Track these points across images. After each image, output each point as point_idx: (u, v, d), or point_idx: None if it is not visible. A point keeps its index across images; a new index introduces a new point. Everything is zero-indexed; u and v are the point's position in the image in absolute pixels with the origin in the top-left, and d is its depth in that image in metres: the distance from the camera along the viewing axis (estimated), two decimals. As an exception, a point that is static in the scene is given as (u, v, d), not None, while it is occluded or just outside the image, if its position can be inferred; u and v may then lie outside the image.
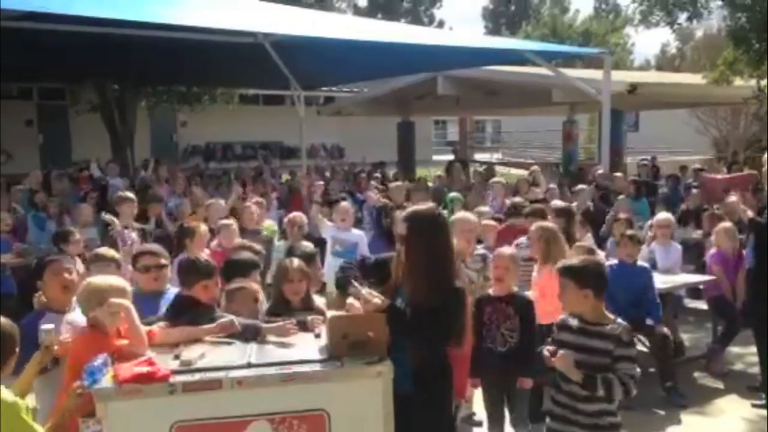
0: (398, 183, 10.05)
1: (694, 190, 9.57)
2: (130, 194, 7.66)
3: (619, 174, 10.62)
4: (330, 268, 6.38)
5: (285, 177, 14.66)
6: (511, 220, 6.89)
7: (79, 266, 5.73)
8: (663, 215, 7.35)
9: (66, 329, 3.54)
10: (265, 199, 9.07)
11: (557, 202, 7.27)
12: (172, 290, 4.20)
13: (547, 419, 3.55)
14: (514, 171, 17.46)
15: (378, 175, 13.91)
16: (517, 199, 7.66)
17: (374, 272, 3.48)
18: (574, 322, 3.44)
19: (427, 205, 3.57)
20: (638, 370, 3.33)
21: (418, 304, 3.18)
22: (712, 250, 6.63)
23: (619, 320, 3.40)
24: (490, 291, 4.51)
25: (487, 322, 4.41)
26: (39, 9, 7.37)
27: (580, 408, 3.33)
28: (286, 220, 6.96)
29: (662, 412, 5.49)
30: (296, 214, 6.88)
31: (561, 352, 3.34)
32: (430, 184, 12.05)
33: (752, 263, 5.89)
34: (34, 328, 3.41)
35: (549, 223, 5.45)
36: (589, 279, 3.39)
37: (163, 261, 4.17)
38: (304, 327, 3.45)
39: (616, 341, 3.28)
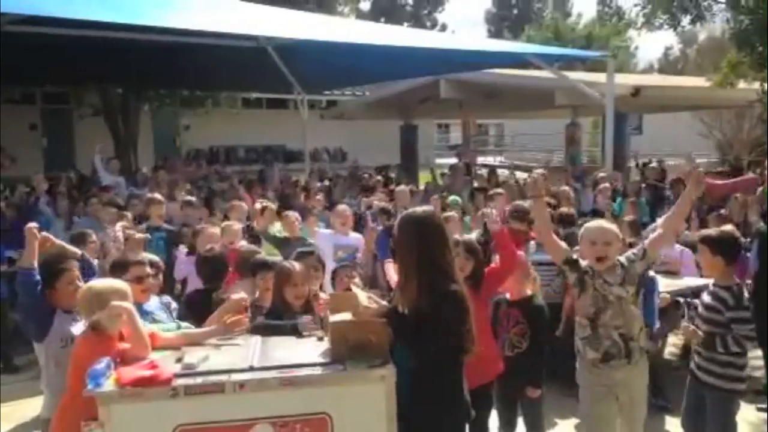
0: (403, 187, 10.03)
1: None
2: (158, 196, 7.65)
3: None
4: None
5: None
6: (513, 224, 6.81)
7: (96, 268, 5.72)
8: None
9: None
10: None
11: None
12: (154, 299, 4.19)
13: (691, 363, 4.17)
14: (518, 174, 17.44)
15: (380, 178, 13.89)
16: (520, 203, 7.58)
17: None
18: (710, 284, 4.16)
19: (422, 208, 3.53)
20: (750, 327, 3.92)
21: (412, 308, 3.14)
22: None
23: (736, 287, 3.98)
24: (507, 295, 4.40)
25: (497, 326, 4.37)
26: (42, 13, 7.38)
27: (707, 356, 3.98)
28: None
29: (667, 415, 5.47)
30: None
31: (683, 324, 4.16)
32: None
33: (755, 267, 5.84)
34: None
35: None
36: (721, 248, 4.01)
37: (149, 270, 4.15)
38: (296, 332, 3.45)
39: (724, 304, 3.93)
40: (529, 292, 4.40)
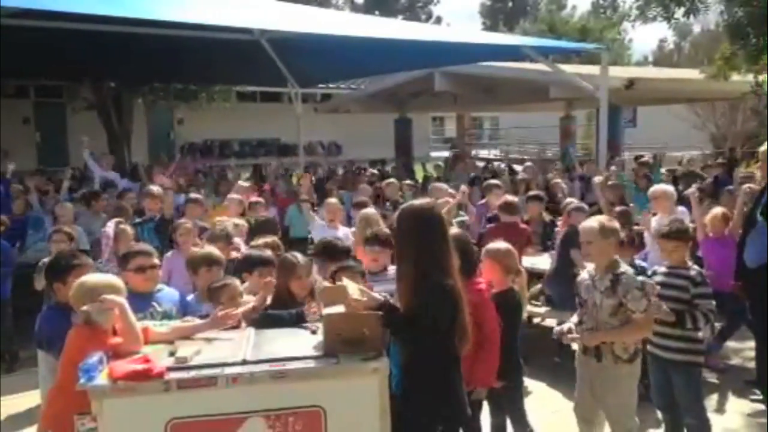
0: (392, 180, 10.01)
1: (696, 185, 9.50)
2: (155, 188, 7.61)
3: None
4: None
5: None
6: (505, 217, 6.82)
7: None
8: (657, 187, 7.15)
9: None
10: (263, 197, 9.02)
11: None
12: (166, 289, 4.20)
13: (648, 346, 4.32)
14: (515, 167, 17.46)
15: (376, 171, 13.89)
16: (511, 198, 7.56)
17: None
18: (662, 268, 4.45)
19: (422, 201, 3.54)
20: (713, 302, 4.23)
21: (404, 303, 3.14)
22: (707, 235, 6.37)
23: (695, 266, 4.36)
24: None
25: None
26: (38, 6, 7.33)
27: (671, 334, 4.18)
28: None
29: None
30: None
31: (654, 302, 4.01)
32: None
33: (758, 261, 5.77)
34: (56, 322, 3.60)
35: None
36: (689, 236, 4.54)
37: (155, 260, 4.13)
38: (302, 319, 3.46)
39: (691, 282, 4.22)
40: (511, 285, 4.34)
